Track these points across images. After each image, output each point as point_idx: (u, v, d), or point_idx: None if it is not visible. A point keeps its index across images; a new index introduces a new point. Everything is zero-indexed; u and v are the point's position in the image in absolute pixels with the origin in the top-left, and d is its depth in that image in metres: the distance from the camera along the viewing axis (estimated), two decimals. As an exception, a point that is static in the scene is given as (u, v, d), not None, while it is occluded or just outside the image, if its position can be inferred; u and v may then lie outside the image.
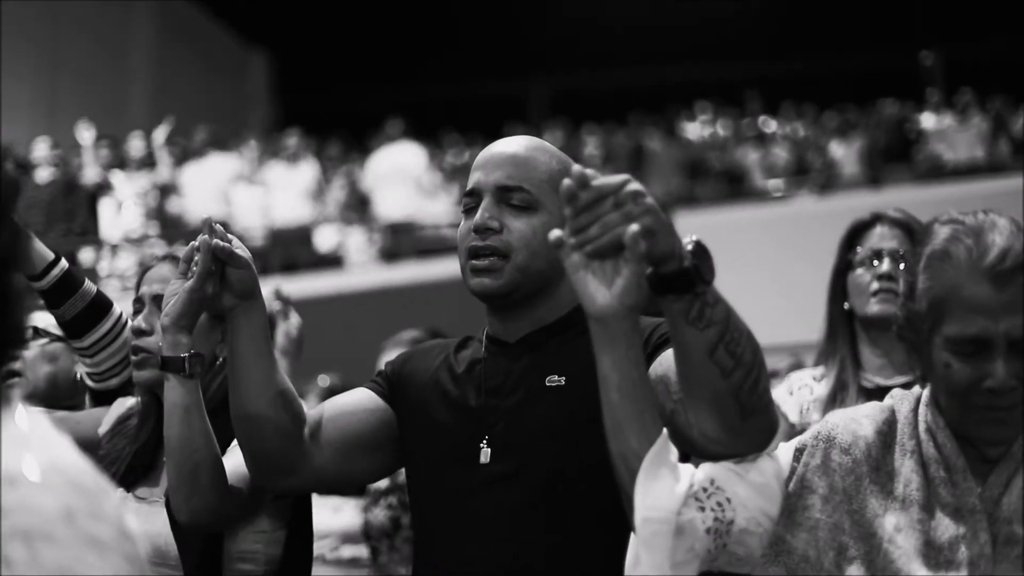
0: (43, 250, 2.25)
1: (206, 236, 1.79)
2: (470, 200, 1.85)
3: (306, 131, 12.40)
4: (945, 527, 1.46)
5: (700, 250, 1.45)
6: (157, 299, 2.11)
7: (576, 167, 1.42)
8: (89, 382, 2.39)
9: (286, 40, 20.13)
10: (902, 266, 2.36)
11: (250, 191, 11.28)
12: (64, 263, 2.27)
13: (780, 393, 2.65)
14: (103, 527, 0.86)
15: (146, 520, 2.05)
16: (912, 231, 2.48)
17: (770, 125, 13.67)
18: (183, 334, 1.85)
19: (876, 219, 2.60)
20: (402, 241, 11.28)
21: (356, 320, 9.06)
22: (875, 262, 2.53)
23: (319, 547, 4.56)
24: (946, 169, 11.52)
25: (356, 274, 10.96)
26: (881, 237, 2.55)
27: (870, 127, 12.86)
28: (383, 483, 3.61)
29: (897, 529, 1.47)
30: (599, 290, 1.43)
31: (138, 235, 10.19)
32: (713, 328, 1.44)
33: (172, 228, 10.43)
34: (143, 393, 2.20)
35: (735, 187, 12.77)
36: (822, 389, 2.58)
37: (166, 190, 10.81)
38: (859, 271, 2.55)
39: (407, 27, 19.87)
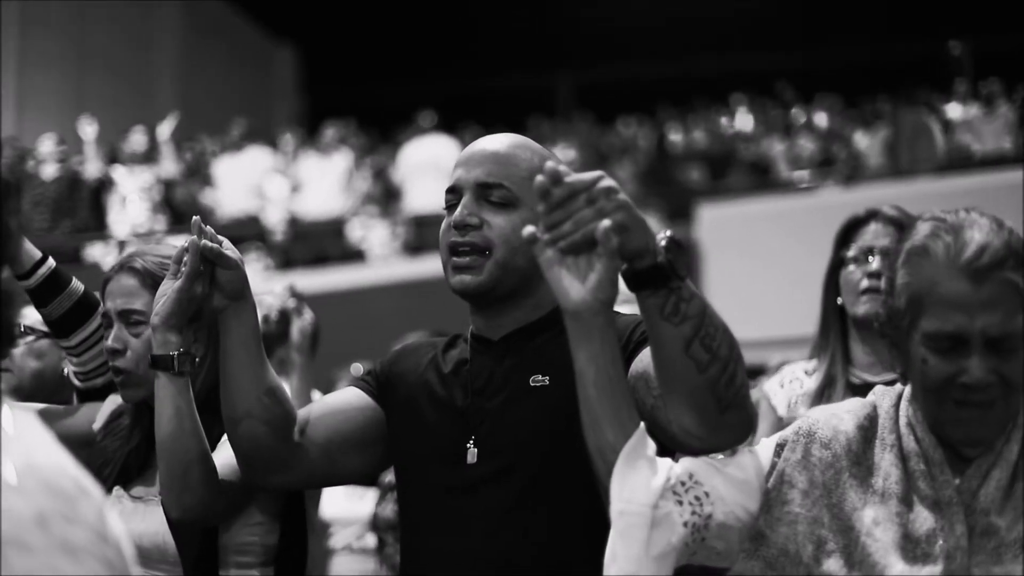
0: (31, 249, 2.27)
1: (194, 237, 1.83)
2: (451, 197, 1.86)
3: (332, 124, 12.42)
4: (923, 520, 1.46)
5: (674, 245, 1.46)
6: (123, 315, 2.12)
7: (549, 163, 1.43)
8: (75, 381, 2.42)
9: (313, 34, 20.18)
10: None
11: (283, 184, 11.31)
12: (51, 262, 2.29)
13: (771, 385, 2.67)
14: (78, 531, 0.84)
15: (143, 519, 2.07)
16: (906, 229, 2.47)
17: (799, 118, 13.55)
18: (173, 333, 1.88)
19: (871, 216, 2.58)
20: (425, 234, 11.28)
21: (379, 313, 9.09)
22: (869, 258, 2.51)
23: (345, 536, 4.62)
24: (972, 160, 11.39)
25: (379, 267, 10.98)
26: (875, 235, 2.53)
27: (896, 117, 12.73)
28: (394, 478, 3.65)
29: (875, 522, 1.47)
30: (573, 285, 1.45)
31: (145, 229, 10.28)
32: (688, 323, 1.45)
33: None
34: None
35: (760, 178, 12.70)
36: (812, 383, 2.58)
37: (171, 184, 10.87)
38: (851, 268, 2.55)
39: (433, 20, 19.87)
